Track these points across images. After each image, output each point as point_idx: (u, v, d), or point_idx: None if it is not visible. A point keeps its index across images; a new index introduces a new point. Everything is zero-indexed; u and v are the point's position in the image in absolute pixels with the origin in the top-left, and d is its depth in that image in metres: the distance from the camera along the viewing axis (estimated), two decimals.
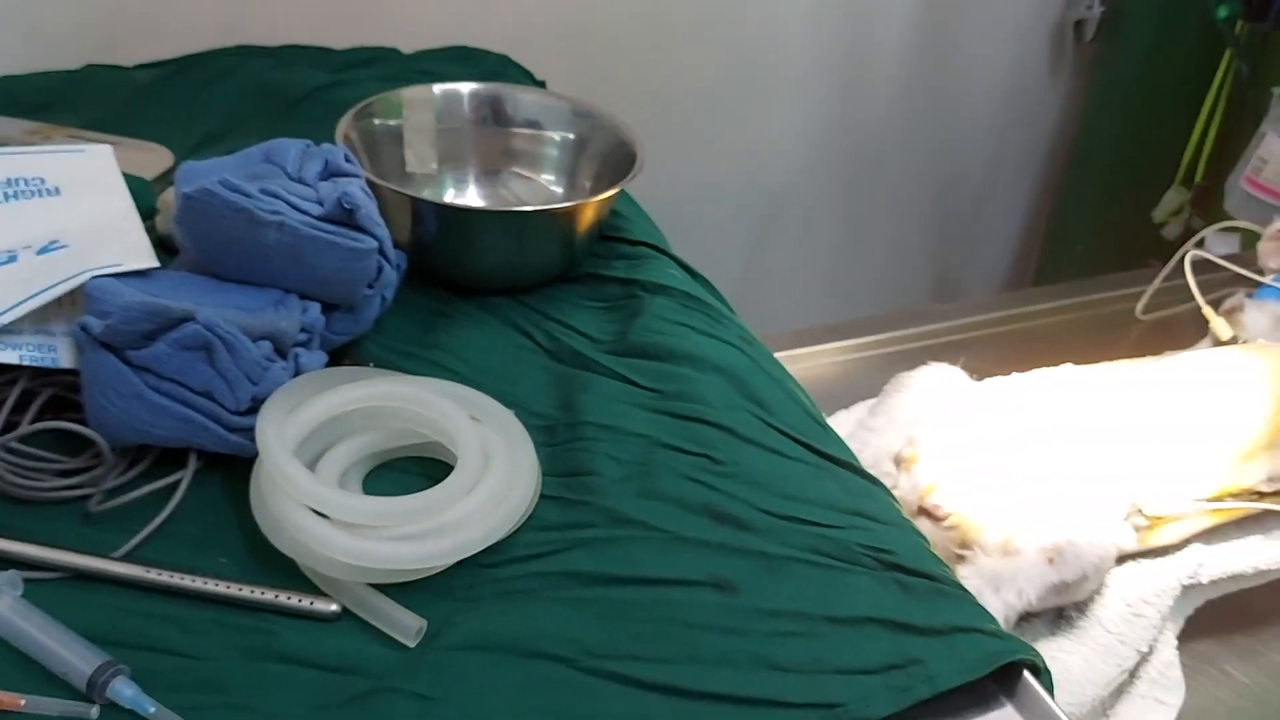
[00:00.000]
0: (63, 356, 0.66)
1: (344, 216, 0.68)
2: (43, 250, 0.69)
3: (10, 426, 0.65)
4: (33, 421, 0.66)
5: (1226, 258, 1.25)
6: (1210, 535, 0.92)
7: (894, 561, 0.63)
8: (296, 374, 0.66)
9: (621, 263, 0.87)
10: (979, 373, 1.07)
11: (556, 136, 0.90)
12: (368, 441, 0.66)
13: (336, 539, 0.58)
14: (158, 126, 0.99)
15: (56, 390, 0.68)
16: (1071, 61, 2.02)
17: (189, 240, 0.68)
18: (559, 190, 0.90)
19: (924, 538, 0.66)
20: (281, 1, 1.33)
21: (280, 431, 0.61)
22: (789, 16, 1.73)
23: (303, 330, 0.67)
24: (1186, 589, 0.88)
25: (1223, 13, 1.54)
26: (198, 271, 0.69)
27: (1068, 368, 1.12)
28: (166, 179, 0.86)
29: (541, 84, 1.21)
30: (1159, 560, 0.90)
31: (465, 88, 0.92)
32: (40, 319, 0.66)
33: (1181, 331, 1.24)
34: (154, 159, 0.87)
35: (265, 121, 1.04)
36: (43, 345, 0.66)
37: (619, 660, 0.57)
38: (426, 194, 0.89)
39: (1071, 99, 2.05)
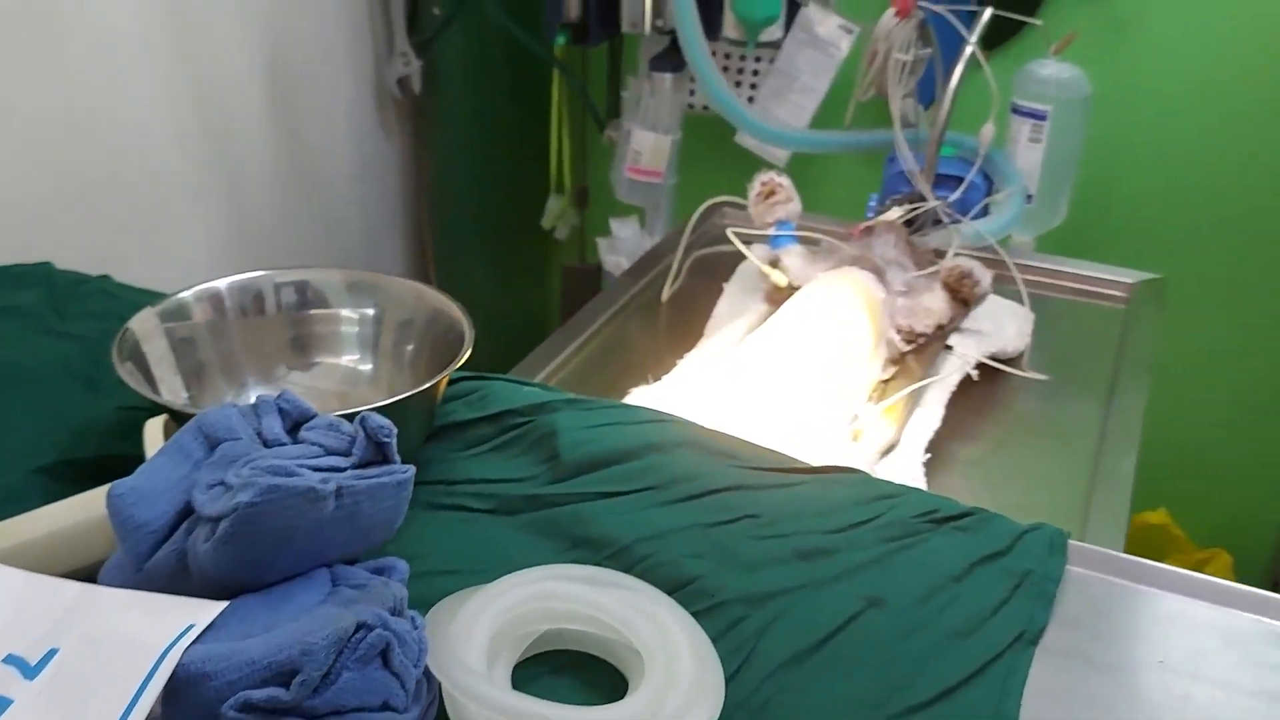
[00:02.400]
0: None
1: (376, 453, 0.59)
2: (29, 672, 0.49)
3: None
4: None
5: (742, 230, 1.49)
6: (899, 425, 1.16)
7: (940, 517, 0.74)
8: None
9: (457, 404, 0.83)
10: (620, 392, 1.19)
11: (351, 314, 0.81)
12: (506, 657, 0.60)
13: None
14: None
15: None
16: (408, 115, 2.16)
17: (231, 561, 0.53)
18: (368, 367, 0.82)
19: (921, 489, 0.78)
20: None
21: (494, 688, 0.53)
22: (167, 153, 1.63)
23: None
24: (925, 465, 1.11)
25: (560, 40, 1.79)
26: (225, 595, 0.55)
27: (693, 354, 1.29)
28: None
29: (105, 277, 1.04)
30: (894, 456, 1.11)
31: (223, 283, 0.78)
32: None
33: (700, 300, 1.47)
34: None
35: None
36: None
37: (895, 694, 0.61)
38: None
39: (418, 148, 2.19)
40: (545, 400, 0.82)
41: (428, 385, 0.71)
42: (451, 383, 0.85)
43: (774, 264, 1.35)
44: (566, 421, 0.79)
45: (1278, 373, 1.98)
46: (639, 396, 1.13)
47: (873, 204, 1.64)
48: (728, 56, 1.95)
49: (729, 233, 1.36)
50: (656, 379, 1.17)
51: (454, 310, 0.79)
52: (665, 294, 1.49)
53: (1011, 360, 1.37)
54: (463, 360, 0.76)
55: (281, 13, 1.81)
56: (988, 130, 1.58)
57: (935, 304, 1.28)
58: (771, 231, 1.41)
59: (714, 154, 2.02)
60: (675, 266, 1.49)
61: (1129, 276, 1.58)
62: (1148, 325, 1.48)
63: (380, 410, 0.69)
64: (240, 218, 1.80)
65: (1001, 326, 1.41)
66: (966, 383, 1.28)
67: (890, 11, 1.61)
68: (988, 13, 1.54)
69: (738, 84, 1.96)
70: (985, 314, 1.42)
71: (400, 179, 2.20)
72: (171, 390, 0.76)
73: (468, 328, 0.77)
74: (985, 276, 1.29)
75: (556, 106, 2.00)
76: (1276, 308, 1.94)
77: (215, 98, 1.72)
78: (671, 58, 1.84)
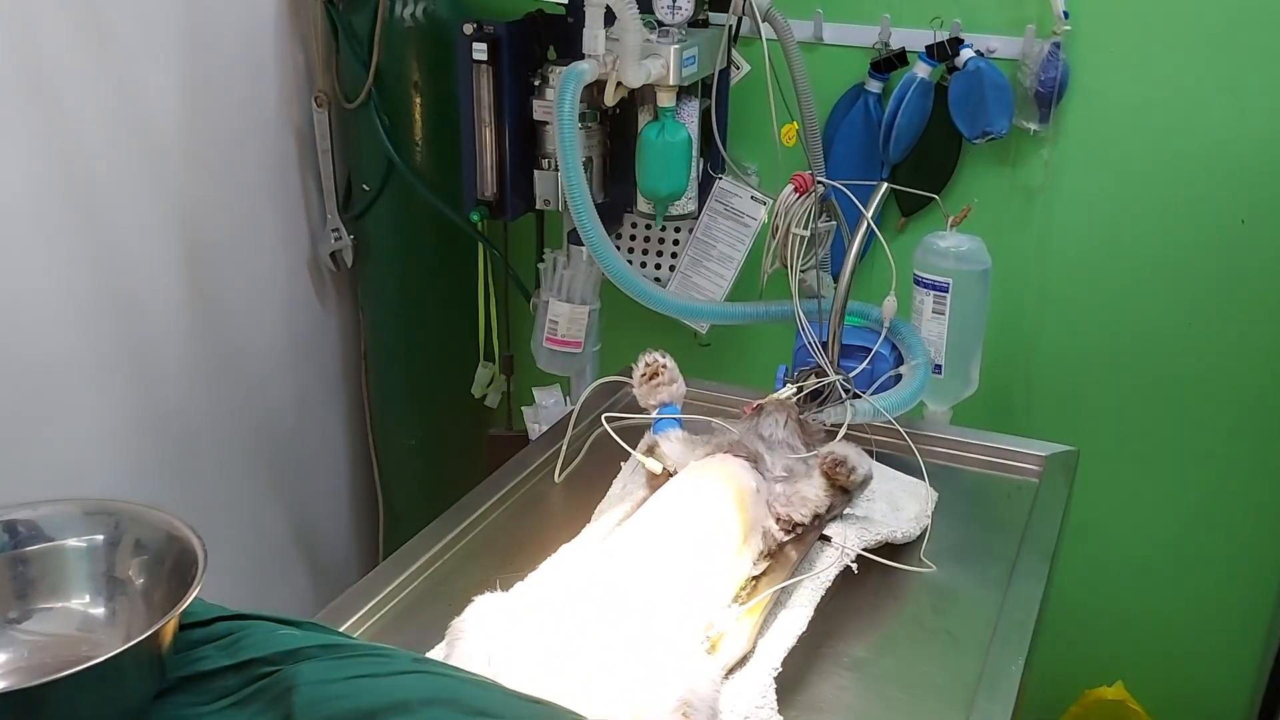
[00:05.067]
0: None
1: None
2: None
3: None
4: None
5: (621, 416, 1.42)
6: (760, 628, 1.05)
7: None
8: None
9: (210, 649, 0.74)
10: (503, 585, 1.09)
11: (80, 543, 0.73)
12: None
13: None
14: None
15: None
16: (340, 288, 2.12)
17: None
18: (99, 612, 0.73)
19: None
20: None
21: None
22: (59, 327, 1.57)
23: None
24: (776, 678, 1.00)
25: (475, 216, 1.75)
26: None
27: (564, 548, 1.19)
28: None
29: None
30: (744, 671, 1.00)
31: None
32: None
33: (596, 480, 1.38)
34: None
35: None
36: None
37: None
38: None
39: (351, 319, 2.15)
40: (298, 647, 0.73)
41: (113, 653, 0.61)
42: (208, 622, 0.76)
43: (652, 449, 1.27)
44: (310, 674, 0.70)
45: (1220, 539, 1.86)
46: (483, 604, 1.03)
47: (780, 375, 1.56)
48: (648, 228, 1.91)
49: (603, 420, 1.28)
50: (505, 588, 1.06)
51: (190, 539, 0.71)
52: (558, 476, 1.40)
53: (908, 545, 1.27)
54: (185, 605, 0.67)
55: (201, 189, 1.78)
56: (890, 302, 1.51)
57: (812, 492, 1.18)
58: (654, 415, 1.33)
59: (638, 320, 1.96)
60: (564, 452, 1.40)
61: (1041, 449, 1.48)
62: (1056, 502, 1.38)
63: (69, 679, 0.60)
64: (147, 399, 1.72)
65: (900, 508, 1.31)
66: (861, 573, 1.17)
67: (789, 188, 1.57)
68: (884, 187, 1.49)
69: (659, 253, 1.92)
70: (883, 494, 1.33)
71: (339, 351, 2.15)
72: None
73: (201, 562, 0.69)
74: (862, 463, 1.20)
75: (482, 276, 1.96)
76: (1210, 474, 1.83)
77: (121, 277, 1.66)
78: None
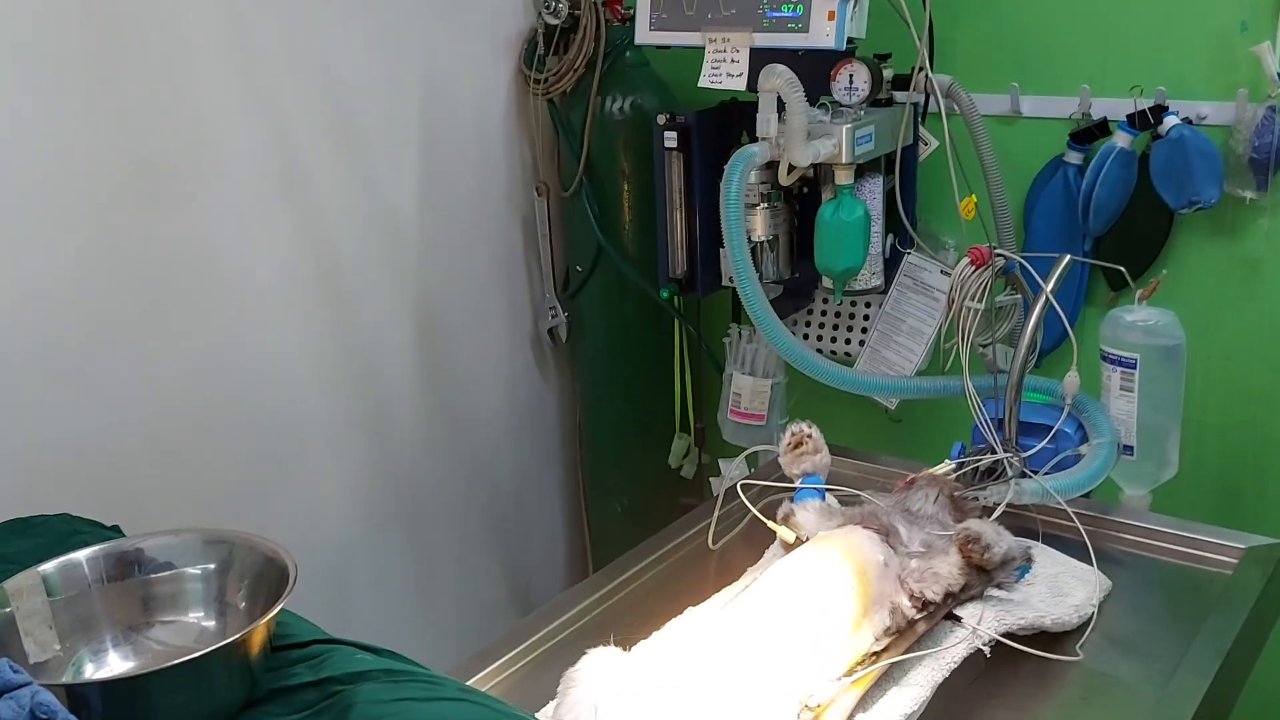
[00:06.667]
0: None
1: None
2: None
3: None
4: None
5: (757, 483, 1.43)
6: (864, 702, 1.02)
7: None
8: None
9: (301, 667, 0.82)
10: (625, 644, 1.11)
11: (196, 570, 0.84)
12: None
13: None
14: None
15: None
16: (559, 362, 2.24)
17: None
18: (211, 624, 0.84)
19: None
20: None
21: None
22: (307, 391, 1.75)
23: None
24: None
25: (665, 293, 1.82)
26: None
27: (689, 611, 1.21)
28: None
29: (115, 529, 1.12)
30: None
31: (83, 554, 0.84)
32: None
33: (750, 546, 1.39)
34: None
35: None
36: None
37: None
38: (67, 676, 0.79)
39: (567, 391, 2.26)
40: (366, 669, 0.79)
41: (200, 653, 0.70)
42: (307, 644, 0.84)
43: (787, 517, 1.26)
44: (367, 694, 0.76)
45: None
46: (595, 657, 1.06)
47: (955, 451, 1.51)
48: (840, 303, 1.90)
49: (738, 488, 1.29)
50: (627, 646, 1.09)
51: (286, 563, 0.80)
52: (710, 542, 1.42)
53: (1069, 633, 1.19)
54: (268, 618, 0.75)
55: (435, 271, 1.94)
56: (1071, 378, 1.43)
57: (945, 569, 1.14)
58: (797, 484, 1.32)
59: (829, 394, 1.94)
60: (715, 519, 1.41)
61: (1241, 541, 1.34)
62: (1245, 597, 1.24)
63: (162, 672, 0.69)
64: (382, 458, 1.89)
65: (1063, 594, 1.24)
66: (1015, 659, 1.11)
67: (965, 260, 1.53)
68: (1065, 259, 1.43)
69: (849, 329, 1.90)
70: (1046, 578, 1.26)
71: (557, 420, 2.26)
72: (41, 645, 0.80)
73: (290, 582, 0.77)
74: (1000, 542, 1.14)
75: (678, 351, 2.01)
76: None
77: (363, 349, 1.84)
78: (777, 305, 1.82)
